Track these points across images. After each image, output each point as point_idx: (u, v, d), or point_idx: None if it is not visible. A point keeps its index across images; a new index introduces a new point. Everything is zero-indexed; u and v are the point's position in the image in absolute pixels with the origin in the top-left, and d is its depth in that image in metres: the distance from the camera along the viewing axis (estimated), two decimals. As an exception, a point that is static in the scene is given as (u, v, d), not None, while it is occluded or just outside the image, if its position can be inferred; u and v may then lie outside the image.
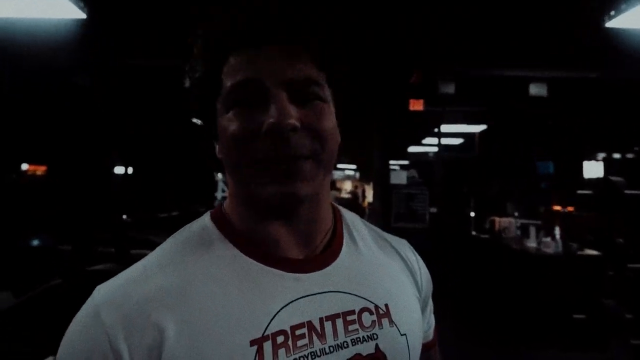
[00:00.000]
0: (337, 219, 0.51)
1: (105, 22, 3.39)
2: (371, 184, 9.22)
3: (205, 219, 0.48)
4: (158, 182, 8.38)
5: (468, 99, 4.57)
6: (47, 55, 4.20)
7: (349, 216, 0.53)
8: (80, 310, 0.40)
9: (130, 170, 9.35)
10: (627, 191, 1.74)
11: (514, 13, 3.07)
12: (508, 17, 3.14)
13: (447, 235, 5.18)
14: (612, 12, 2.24)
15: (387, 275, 0.49)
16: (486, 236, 4.59)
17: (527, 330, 3.36)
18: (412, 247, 0.57)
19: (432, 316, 0.58)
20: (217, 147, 0.47)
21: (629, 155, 6.00)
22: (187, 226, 0.47)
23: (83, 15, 2.46)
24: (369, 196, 9.91)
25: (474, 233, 4.89)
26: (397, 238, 0.57)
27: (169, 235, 0.47)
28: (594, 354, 2.13)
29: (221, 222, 0.46)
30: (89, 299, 0.41)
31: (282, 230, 0.45)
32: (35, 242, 4.60)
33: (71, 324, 0.40)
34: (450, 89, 4.17)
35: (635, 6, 2.08)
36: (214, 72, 0.43)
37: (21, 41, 3.48)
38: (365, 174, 12.47)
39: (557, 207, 4.36)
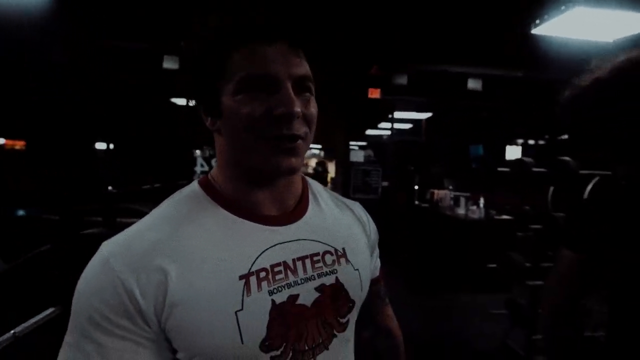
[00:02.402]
0: (305, 186, 0.56)
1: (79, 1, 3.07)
2: (334, 161, 9.29)
3: (194, 185, 0.50)
4: (141, 157, 7.96)
5: (417, 90, 4.67)
6: (17, 29, 3.75)
7: (313, 184, 0.58)
8: (90, 263, 0.42)
9: (112, 146, 8.76)
10: (534, 169, 1.93)
11: (457, 19, 3.15)
12: (452, 22, 3.22)
13: (396, 205, 5.43)
14: (537, 21, 2.35)
15: (343, 227, 0.55)
16: (426, 205, 4.82)
17: (456, 278, 3.64)
18: (362, 207, 0.63)
19: (378, 260, 0.64)
20: (208, 120, 0.48)
21: (541, 142, 6.48)
22: (178, 192, 0.49)
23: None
24: (332, 171, 10.01)
25: (417, 203, 5.13)
26: (351, 200, 0.63)
27: (152, 205, 0.48)
28: (502, 294, 2.41)
29: (208, 188, 0.49)
30: (97, 253, 0.42)
31: (264, 193, 0.48)
32: (21, 212, 4.26)
33: (83, 275, 0.41)
34: (403, 80, 4.23)
35: (556, 16, 2.20)
36: (224, 58, 0.43)
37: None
38: (329, 153, 12.54)
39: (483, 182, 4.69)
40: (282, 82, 0.43)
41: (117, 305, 0.39)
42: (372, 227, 0.61)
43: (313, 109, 0.46)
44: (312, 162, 15.23)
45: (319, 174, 10.52)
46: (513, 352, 2.22)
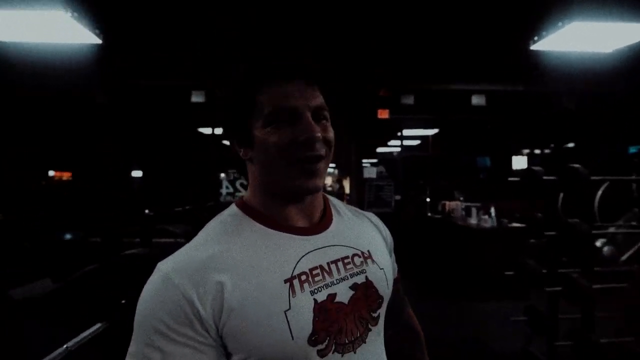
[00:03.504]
0: (326, 201, 0.59)
1: (119, 48, 3.30)
2: (348, 179, 9.27)
3: (233, 207, 0.53)
4: (173, 183, 8.28)
5: (424, 108, 4.68)
6: (68, 76, 4.04)
7: (332, 199, 0.62)
8: (150, 280, 0.44)
9: (148, 173, 9.14)
10: (545, 177, 1.87)
11: (458, 40, 3.18)
12: (454, 42, 3.25)
13: (409, 217, 5.34)
14: (536, 37, 2.34)
15: (364, 233, 0.59)
16: (439, 216, 4.71)
17: (470, 285, 3.51)
18: (377, 217, 0.66)
19: (395, 262, 0.67)
20: (242, 151, 0.52)
21: (546, 151, 6.29)
22: (219, 215, 0.53)
23: (99, 41, 2.37)
24: (347, 188, 9.98)
25: (429, 214, 5.03)
26: (367, 212, 0.66)
27: (184, 226, 0.52)
28: (519, 301, 2.28)
29: (245, 208, 0.52)
30: (155, 272, 0.45)
31: (294, 209, 0.52)
32: (68, 236, 4.43)
33: (144, 291, 0.43)
34: (409, 100, 4.26)
35: (554, 32, 2.19)
36: (252, 98, 0.49)
37: (44, 63, 3.34)
38: (343, 171, 12.56)
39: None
40: (302, 112, 0.47)
41: (180, 315, 0.40)
42: (387, 233, 0.65)
43: (330, 133, 0.51)
44: (328, 180, 15.26)
45: (337, 192, 10.54)
46: (535, 359, 2.08)
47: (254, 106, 0.48)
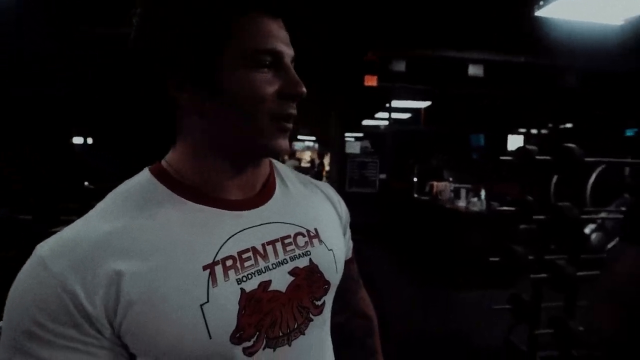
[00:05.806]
0: (271, 168, 0.55)
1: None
2: (329, 154, 9.25)
3: (145, 172, 0.47)
4: (125, 151, 7.89)
5: (416, 77, 4.64)
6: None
7: (280, 166, 0.58)
8: (23, 268, 0.38)
9: (91, 140, 8.62)
10: (538, 157, 1.93)
11: (458, 1, 3.12)
12: (452, 4, 3.19)
13: (394, 198, 5.43)
14: (541, 2, 2.33)
15: (313, 207, 0.55)
16: (426, 198, 4.77)
17: (456, 273, 3.66)
18: (332, 187, 0.63)
19: (351, 241, 0.65)
20: (186, 96, 0.43)
21: (544, 131, 6.52)
22: (126, 181, 0.46)
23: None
24: (327, 165, 9.98)
25: (415, 196, 5.08)
26: (320, 182, 0.63)
27: None
28: (505, 289, 2.42)
29: (162, 175, 0.46)
30: (31, 256, 0.38)
31: (233, 178, 0.47)
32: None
33: (15, 283, 0.37)
34: (401, 67, 4.19)
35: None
36: (227, 24, 0.41)
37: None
38: (324, 145, 12.51)
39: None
40: (287, 61, 0.45)
41: (60, 313, 0.35)
42: (343, 207, 0.62)
43: None
44: (306, 156, 15.17)
45: (317, 168, 10.53)
46: (515, 348, 2.24)
47: (229, 39, 0.41)
